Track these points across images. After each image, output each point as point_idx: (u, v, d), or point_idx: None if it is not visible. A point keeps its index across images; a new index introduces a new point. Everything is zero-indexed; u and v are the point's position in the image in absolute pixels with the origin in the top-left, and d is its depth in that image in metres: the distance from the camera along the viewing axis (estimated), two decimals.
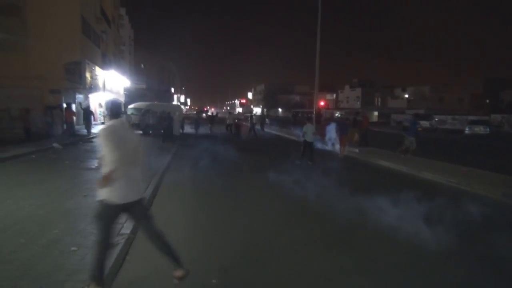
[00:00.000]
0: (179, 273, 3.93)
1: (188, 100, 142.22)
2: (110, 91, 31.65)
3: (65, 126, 19.94)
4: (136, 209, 3.88)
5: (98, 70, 27.03)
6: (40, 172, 10.24)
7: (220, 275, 4.40)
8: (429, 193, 8.95)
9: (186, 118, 35.82)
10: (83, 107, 21.83)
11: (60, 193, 7.84)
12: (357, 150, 16.92)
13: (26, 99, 19.58)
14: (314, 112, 24.13)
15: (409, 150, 14.69)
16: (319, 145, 19.04)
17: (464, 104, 70.89)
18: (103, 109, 31.56)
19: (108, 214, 3.68)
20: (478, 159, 14.62)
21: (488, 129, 29.92)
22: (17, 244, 4.91)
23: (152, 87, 60.23)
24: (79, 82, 22.65)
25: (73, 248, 4.84)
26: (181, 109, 30.29)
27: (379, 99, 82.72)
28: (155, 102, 31.88)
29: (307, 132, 13.61)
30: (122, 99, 41.10)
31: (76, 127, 20.13)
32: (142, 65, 72.15)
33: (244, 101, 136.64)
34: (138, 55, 66.57)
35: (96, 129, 24.89)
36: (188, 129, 30.38)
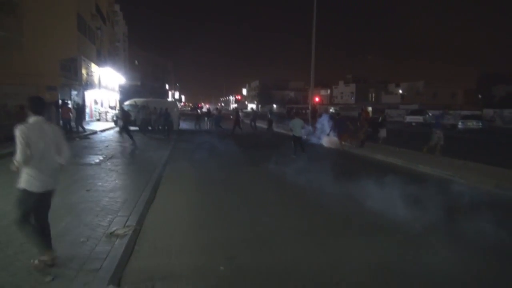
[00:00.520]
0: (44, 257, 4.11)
1: (183, 97, 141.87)
2: (106, 87, 31.60)
3: (61, 122, 19.89)
4: (49, 198, 4.30)
5: (93, 67, 26.99)
6: None
7: (227, 263, 4.55)
8: (426, 185, 9.17)
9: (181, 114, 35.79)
10: (75, 103, 21.75)
11: (63, 188, 7.88)
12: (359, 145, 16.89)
13: (22, 96, 19.46)
14: (309, 108, 24.30)
15: (437, 147, 13.91)
16: (314, 140, 19.22)
17: (457, 99, 71.53)
18: (98, 106, 31.53)
19: (28, 202, 4.02)
20: (471, 152, 14.86)
21: (480, 124, 30.28)
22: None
23: (146, 84, 60.12)
24: (75, 79, 22.63)
25: (82, 240, 4.97)
26: (177, 106, 30.37)
27: (373, 95, 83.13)
28: (151, 99, 31.81)
29: (295, 127, 13.84)
30: (117, 96, 41.03)
31: (72, 123, 20.05)
32: (136, 62, 71.81)
33: (239, 97, 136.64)
34: (133, 52, 66.26)
35: (92, 125, 24.93)
36: (183, 125, 30.48)
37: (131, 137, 16.63)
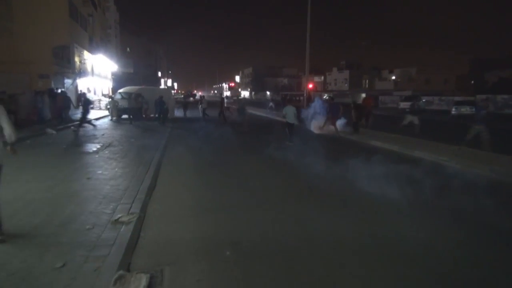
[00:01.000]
0: None
1: (175, 84, 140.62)
2: (99, 75, 31.24)
3: (61, 112, 19.71)
4: None
5: (86, 54, 26.64)
6: (38, 156, 10.28)
7: (232, 248, 4.63)
8: (422, 169, 9.30)
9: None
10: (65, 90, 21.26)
11: (63, 176, 7.96)
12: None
13: (14, 84, 19.26)
14: (305, 94, 24.29)
15: (481, 141, 12.05)
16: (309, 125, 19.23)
17: (450, 85, 71.82)
18: (91, 94, 31.19)
19: None
20: (466, 138, 15.00)
21: (474, 110, 30.46)
22: (32, 224, 5.07)
23: (139, 71, 59.51)
24: (68, 67, 22.35)
25: (88, 227, 5.02)
26: (171, 93, 30.18)
27: (367, 81, 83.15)
28: (144, 86, 31.54)
29: (288, 113, 13.92)
30: (110, 83, 40.61)
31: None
32: (128, 49, 70.93)
33: (233, 84, 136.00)
34: (125, 39, 65.40)
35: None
36: (177, 113, 30.33)
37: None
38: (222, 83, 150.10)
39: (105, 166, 9.23)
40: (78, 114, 21.39)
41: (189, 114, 28.07)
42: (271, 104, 33.87)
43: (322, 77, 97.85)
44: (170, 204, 6.54)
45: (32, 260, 4.02)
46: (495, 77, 60.37)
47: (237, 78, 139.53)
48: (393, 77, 78.01)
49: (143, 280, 3.72)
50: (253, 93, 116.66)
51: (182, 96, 72.55)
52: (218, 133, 17.27)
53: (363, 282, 3.90)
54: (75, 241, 4.53)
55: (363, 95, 73.52)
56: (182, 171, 9.49)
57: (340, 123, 17.31)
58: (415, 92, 50.42)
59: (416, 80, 71.85)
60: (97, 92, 33.01)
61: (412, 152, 11.97)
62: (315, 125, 18.37)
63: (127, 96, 24.13)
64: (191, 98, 60.35)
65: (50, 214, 5.47)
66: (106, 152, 11.34)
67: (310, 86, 36.70)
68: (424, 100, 36.34)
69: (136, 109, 22.28)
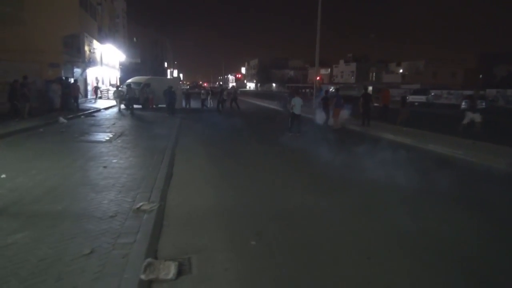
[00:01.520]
0: None
1: (181, 75, 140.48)
2: (107, 65, 31.24)
3: (73, 100, 19.76)
4: None
5: (95, 44, 26.62)
6: (53, 144, 10.32)
7: (256, 238, 4.63)
8: (438, 163, 9.27)
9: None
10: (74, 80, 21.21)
11: (80, 165, 7.98)
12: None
13: (25, 72, 19.25)
14: (314, 86, 24.19)
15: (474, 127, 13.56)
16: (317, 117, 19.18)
17: (458, 79, 71.14)
18: (99, 84, 31.23)
19: None
20: (478, 132, 14.88)
21: (484, 104, 30.21)
22: (55, 211, 5.10)
23: (145, 62, 59.47)
24: (77, 56, 22.35)
25: (111, 215, 5.03)
26: (180, 83, 30.12)
27: (374, 74, 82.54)
28: (153, 76, 31.49)
29: (296, 105, 13.99)
30: (117, 73, 40.61)
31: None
32: (135, 39, 70.78)
33: (239, 76, 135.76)
34: (132, 29, 65.19)
35: (94, 103, 24.80)
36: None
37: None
38: (227, 75, 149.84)
39: (120, 155, 9.24)
40: (86, 103, 21.57)
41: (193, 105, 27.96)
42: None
43: (329, 70, 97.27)
44: (189, 193, 6.55)
45: (60, 246, 4.04)
46: (504, 71, 59.76)
47: (243, 70, 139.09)
48: (401, 70, 77.39)
49: (172, 267, 3.73)
50: (259, 85, 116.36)
51: (188, 87, 72.40)
52: (226, 123, 17.40)
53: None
54: (100, 229, 4.55)
55: (370, 88, 73.23)
56: (196, 160, 9.50)
57: (344, 113, 17.25)
58: (423, 85, 49.99)
59: (423, 74, 71.22)
60: (105, 82, 33.04)
61: (426, 145, 11.88)
62: (320, 117, 18.35)
63: (136, 86, 24.16)
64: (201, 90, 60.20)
65: (72, 202, 5.50)
66: (119, 141, 11.36)
67: (318, 78, 36.60)
68: (432, 94, 36.05)
69: (134, 99, 21.86)
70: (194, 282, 3.58)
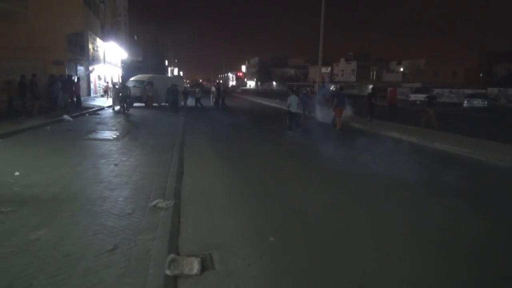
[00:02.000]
0: None
1: (181, 73, 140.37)
2: (110, 63, 31.24)
3: (75, 98, 19.77)
4: None
5: (99, 42, 26.62)
6: (62, 143, 10.35)
7: (274, 233, 4.68)
8: (446, 162, 9.32)
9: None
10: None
11: (90, 163, 8.02)
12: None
13: (29, 70, 19.26)
14: (318, 84, 24.26)
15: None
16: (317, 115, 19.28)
17: (459, 78, 71.16)
18: (101, 82, 31.24)
19: None
20: (482, 130, 14.97)
21: (486, 102, 30.32)
22: (74, 208, 5.14)
23: (146, 60, 59.44)
24: (81, 54, 22.37)
25: (129, 212, 5.08)
26: (183, 81, 30.17)
27: (374, 73, 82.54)
28: (155, 75, 31.53)
29: (292, 103, 14.19)
30: (119, 71, 40.60)
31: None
32: (136, 37, 70.67)
33: (240, 74, 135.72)
34: (133, 26, 65.11)
35: (97, 101, 24.83)
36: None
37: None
38: (228, 73, 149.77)
39: (129, 153, 9.29)
40: (89, 101, 21.60)
41: (189, 103, 27.81)
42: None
43: (329, 68, 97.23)
44: (202, 190, 6.60)
45: (82, 242, 4.08)
46: (504, 70, 59.82)
47: (243, 68, 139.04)
48: (401, 69, 77.41)
49: (195, 263, 3.77)
50: (259, 83, 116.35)
51: (188, 85, 72.42)
52: (229, 121, 17.87)
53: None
54: (119, 225, 4.60)
55: (370, 86, 73.27)
56: (205, 157, 9.59)
57: (347, 111, 17.32)
58: (424, 84, 50.08)
59: (424, 72, 71.24)
60: (107, 80, 33.05)
61: (432, 144, 11.93)
62: (321, 114, 18.46)
63: (139, 84, 24.20)
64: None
65: (88, 199, 5.54)
66: (127, 139, 11.42)
67: (320, 76, 36.59)
68: (435, 92, 36.09)
69: (130, 98, 21.45)
70: (219, 277, 3.63)
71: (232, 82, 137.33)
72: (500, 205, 6.25)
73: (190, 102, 27.64)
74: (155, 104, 24.41)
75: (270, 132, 15.25)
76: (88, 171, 7.31)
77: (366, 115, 17.41)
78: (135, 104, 23.41)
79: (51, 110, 17.15)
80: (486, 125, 18.87)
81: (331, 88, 68.94)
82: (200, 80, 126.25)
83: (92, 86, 27.94)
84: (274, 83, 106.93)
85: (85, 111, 18.75)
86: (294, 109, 14.24)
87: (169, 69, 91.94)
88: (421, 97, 36.59)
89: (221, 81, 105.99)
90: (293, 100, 14.24)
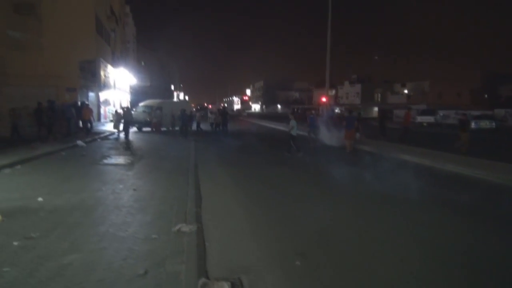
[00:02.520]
0: None
1: (187, 97, 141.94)
2: (119, 89, 31.84)
3: (80, 123, 20.07)
4: None
5: (109, 68, 27.25)
6: (79, 168, 10.51)
7: (300, 257, 4.73)
8: (460, 184, 9.33)
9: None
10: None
11: (110, 188, 8.14)
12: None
13: (42, 97, 19.68)
14: (326, 108, 24.51)
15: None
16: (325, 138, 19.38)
17: (463, 99, 71.36)
18: (111, 107, 31.74)
19: None
20: (495, 152, 14.86)
21: (494, 124, 30.30)
22: (100, 233, 5.24)
23: (153, 85, 60.36)
24: (93, 81, 22.88)
25: (154, 236, 5.16)
26: (191, 106, 30.63)
27: (379, 95, 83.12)
28: (164, 100, 32.05)
29: (294, 127, 14.75)
30: (128, 96, 41.28)
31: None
32: (142, 63, 72.00)
33: (246, 98, 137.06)
34: (140, 53, 66.52)
35: (107, 126, 25.18)
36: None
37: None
38: (232, 96, 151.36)
39: (145, 177, 9.43)
40: (99, 126, 21.94)
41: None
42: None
43: (334, 91, 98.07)
44: (222, 214, 6.67)
45: (114, 266, 4.16)
46: (509, 91, 60.06)
47: (248, 92, 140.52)
48: (406, 91, 77.91)
49: (226, 287, 3.83)
50: (264, 106, 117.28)
51: (194, 109, 73.07)
52: (238, 145, 18.18)
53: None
54: (146, 250, 4.68)
55: (375, 108, 73.55)
56: (220, 181, 9.68)
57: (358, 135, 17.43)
58: (429, 106, 50.27)
59: (428, 94, 71.62)
60: (116, 105, 33.61)
61: (444, 165, 11.91)
62: (327, 136, 18.67)
63: (148, 109, 24.65)
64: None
65: (112, 224, 5.63)
66: (141, 164, 11.57)
67: (324, 99, 36.93)
68: (441, 114, 36.18)
69: (130, 123, 21.13)
70: None
71: (237, 106, 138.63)
72: None
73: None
74: (163, 129, 24.78)
75: (281, 155, 15.31)
76: (109, 196, 7.43)
77: (379, 137, 17.39)
78: (143, 129, 23.71)
79: (65, 136, 17.45)
80: (496, 146, 18.80)
81: (336, 110, 69.33)
82: (205, 104, 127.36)
83: (102, 111, 28.41)
84: (279, 106, 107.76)
85: (96, 136, 19.03)
86: (294, 132, 14.79)
87: (175, 93, 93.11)
88: (427, 119, 36.69)
89: (225, 105, 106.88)
90: (294, 124, 14.80)
